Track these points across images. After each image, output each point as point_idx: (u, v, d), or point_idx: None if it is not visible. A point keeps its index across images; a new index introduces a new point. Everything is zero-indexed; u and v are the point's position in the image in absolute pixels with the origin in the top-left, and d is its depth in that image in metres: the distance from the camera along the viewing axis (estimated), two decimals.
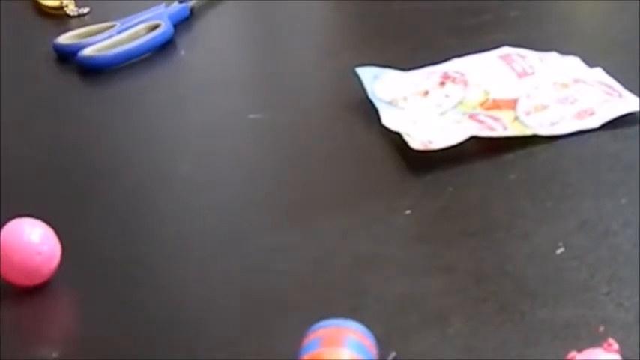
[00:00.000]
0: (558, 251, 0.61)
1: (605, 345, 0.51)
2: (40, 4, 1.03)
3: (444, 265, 0.61)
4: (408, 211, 0.66)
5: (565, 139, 0.72)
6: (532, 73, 0.78)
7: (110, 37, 0.93)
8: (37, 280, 0.63)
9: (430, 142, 0.71)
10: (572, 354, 0.51)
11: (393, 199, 0.68)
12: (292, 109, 0.81)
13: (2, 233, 0.63)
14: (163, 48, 0.93)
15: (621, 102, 0.74)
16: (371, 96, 0.78)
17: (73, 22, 1.00)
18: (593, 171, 0.69)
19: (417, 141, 0.71)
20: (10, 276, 0.62)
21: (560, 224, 0.64)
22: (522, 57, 0.80)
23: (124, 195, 0.72)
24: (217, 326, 0.59)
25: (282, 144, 0.77)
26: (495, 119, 0.74)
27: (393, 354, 0.54)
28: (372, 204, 0.68)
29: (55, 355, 0.58)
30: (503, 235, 0.64)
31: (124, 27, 0.95)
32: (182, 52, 0.93)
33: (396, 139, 0.73)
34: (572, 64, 0.80)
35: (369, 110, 0.77)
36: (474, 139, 0.71)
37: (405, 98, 0.78)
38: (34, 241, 0.62)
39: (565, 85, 0.77)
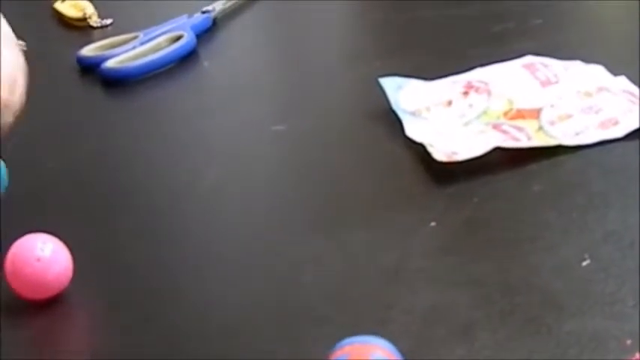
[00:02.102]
0: (584, 263, 0.61)
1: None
2: (63, 16, 1.04)
3: (469, 277, 0.61)
4: (433, 223, 0.66)
5: (590, 149, 0.72)
6: (556, 82, 0.78)
7: (133, 48, 0.93)
8: (49, 294, 0.62)
9: (454, 154, 0.71)
10: None
11: (418, 210, 0.68)
12: (316, 120, 0.81)
13: (12, 249, 0.63)
14: (186, 59, 0.93)
15: None
16: (394, 107, 0.78)
17: (96, 33, 1.00)
18: (618, 181, 0.68)
19: (441, 152, 0.71)
20: (23, 291, 0.63)
21: (586, 235, 0.63)
22: (546, 66, 0.80)
23: (148, 206, 0.73)
24: (242, 338, 0.59)
25: (305, 155, 0.77)
26: (519, 129, 0.74)
27: None
28: (396, 216, 0.68)
29: None
30: (529, 246, 0.63)
31: (146, 38, 0.95)
32: (205, 63, 0.93)
33: (419, 150, 0.73)
34: (597, 72, 0.79)
35: (392, 120, 0.77)
36: (498, 150, 0.71)
37: (428, 108, 0.78)
38: (41, 255, 0.62)
39: (589, 94, 0.77)
